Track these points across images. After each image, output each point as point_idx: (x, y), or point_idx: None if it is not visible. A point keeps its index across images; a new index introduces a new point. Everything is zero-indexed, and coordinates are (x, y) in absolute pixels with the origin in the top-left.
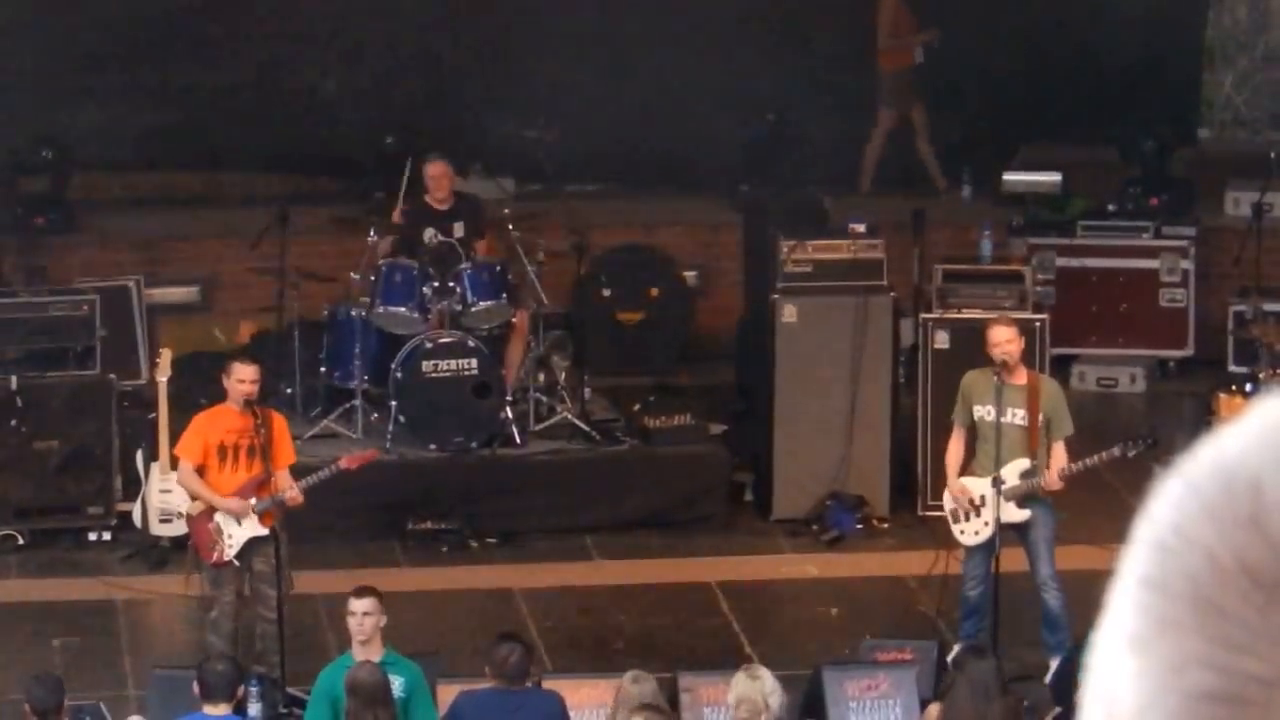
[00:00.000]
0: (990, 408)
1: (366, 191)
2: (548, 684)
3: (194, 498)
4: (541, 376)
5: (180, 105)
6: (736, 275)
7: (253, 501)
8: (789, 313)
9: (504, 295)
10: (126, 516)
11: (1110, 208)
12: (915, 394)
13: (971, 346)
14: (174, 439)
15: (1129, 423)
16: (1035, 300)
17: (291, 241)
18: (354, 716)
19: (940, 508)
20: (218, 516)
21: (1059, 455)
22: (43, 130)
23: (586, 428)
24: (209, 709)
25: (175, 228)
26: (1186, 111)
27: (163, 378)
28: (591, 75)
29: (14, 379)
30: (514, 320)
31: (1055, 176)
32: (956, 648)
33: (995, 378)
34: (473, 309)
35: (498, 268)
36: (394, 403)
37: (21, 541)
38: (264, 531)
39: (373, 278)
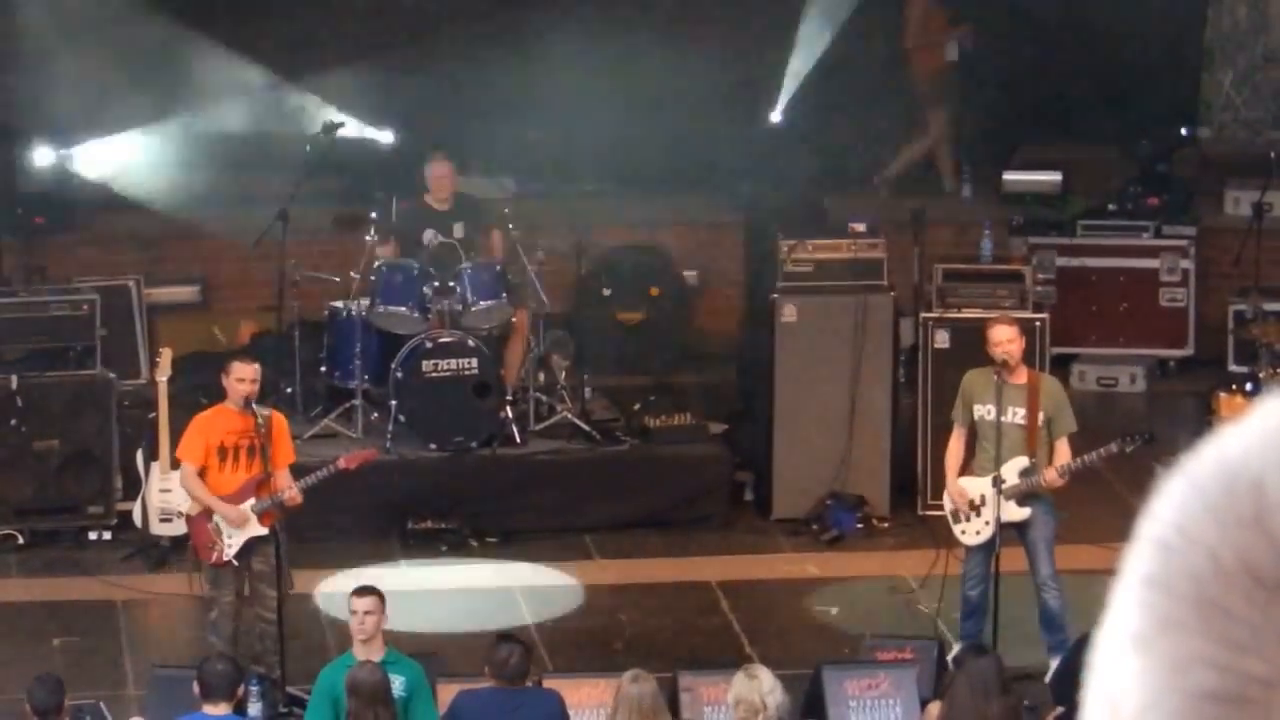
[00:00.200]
0: (990, 407)
1: (367, 191)
2: (548, 683)
3: (195, 500)
4: (542, 376)
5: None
6: (737, 275)
7: (252, 502)
8: (789, 312)
9: (504, 295)
10: (126, 516)
11: (1110, 207)
12: (915, 394)
13: (972, 346)
14: (174, 438)
15: (1129, 422)
16: (1035, 300)
17: (291, 241)
18: (355, 716)
19: (940, 507)
20: (217, 517)
21: (1063, 453)
22: (43, 130)
23: (587, 427)
24: (209, 709)
25: (175, 227)
26: (1186, 111)
27: (163, 377)
28: (592, 74)
29: (14, 378)
30: (514, 320)
31: (1055, 176)
32: (957, 647)
33: (995, 377)
34: (473, 309)
35: (498, 268)
36: (394, 402)
37: (21, 541)
38: (263, 531)
39: (373, 277)
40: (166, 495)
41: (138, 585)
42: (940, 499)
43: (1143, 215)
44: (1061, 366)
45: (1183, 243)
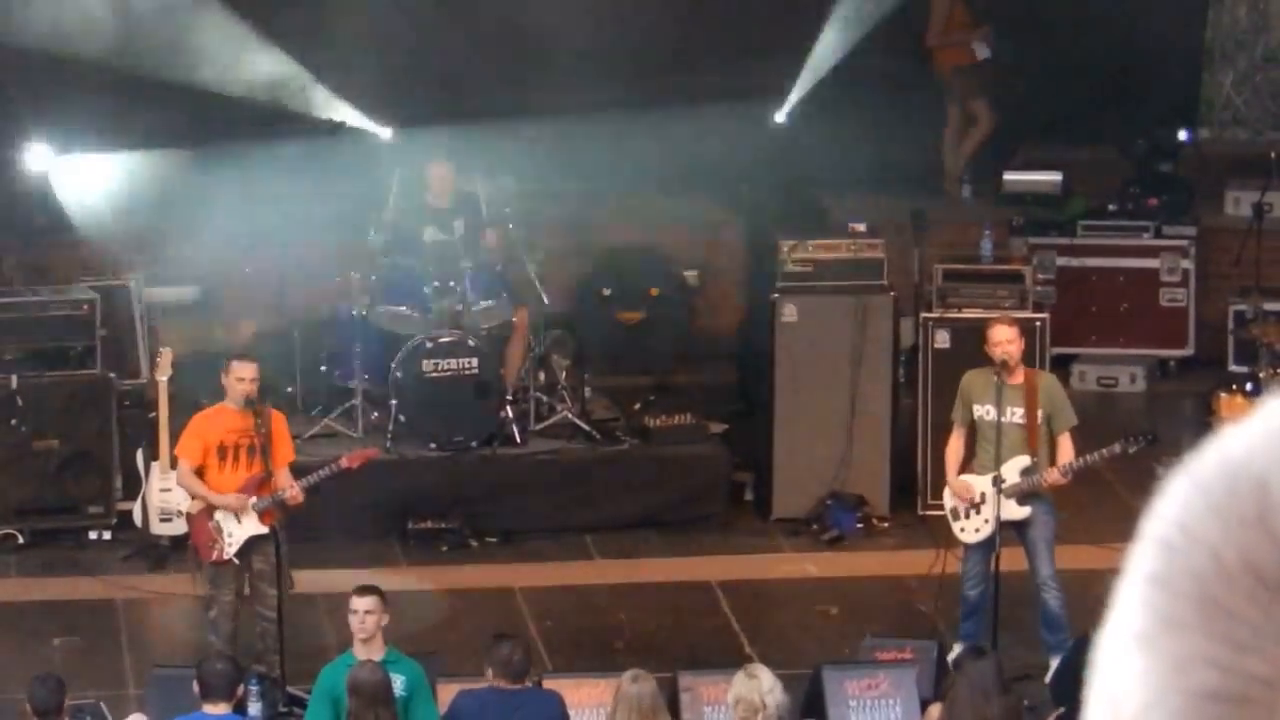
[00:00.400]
0: (990, 407)
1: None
2: (548, 683)
3: (194, 497)
4: (542, 376)
5: (181, 104)
6: (737, 275)
7: (253, 500)
8: (789, 312)
9: (504, 295)
10: (126, 516)
11: (1110, 207)
12: (915, 393)
13: (972, 346)
14: (174, 438)
15: (1129, 422)
16: (1035, 300)
17: (294, 240)
18: (355, 715)
19: (940, 507)
20: (217, 515)
21: (1066, 448)
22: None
23: (587, 427)
24: (209, 708)
25: (176, 226)
26: (1186, 112)
27: (163, 377)
28: (592, 73)
29: (14, 378)
30: (514, 320)
31: (1055, 176)
32: (957, 647)
33: (995, 377)
34: (473, 308)
35: (498, 267)
36: (394, 402)
37: (21, 541)
38: (264, 530)
39: (373, 276)
40: (166, 495)
41: (138, 585)
42: (940, 499)
43: (1143, 215)
44: (1061, 367)
45: (1183, 243)
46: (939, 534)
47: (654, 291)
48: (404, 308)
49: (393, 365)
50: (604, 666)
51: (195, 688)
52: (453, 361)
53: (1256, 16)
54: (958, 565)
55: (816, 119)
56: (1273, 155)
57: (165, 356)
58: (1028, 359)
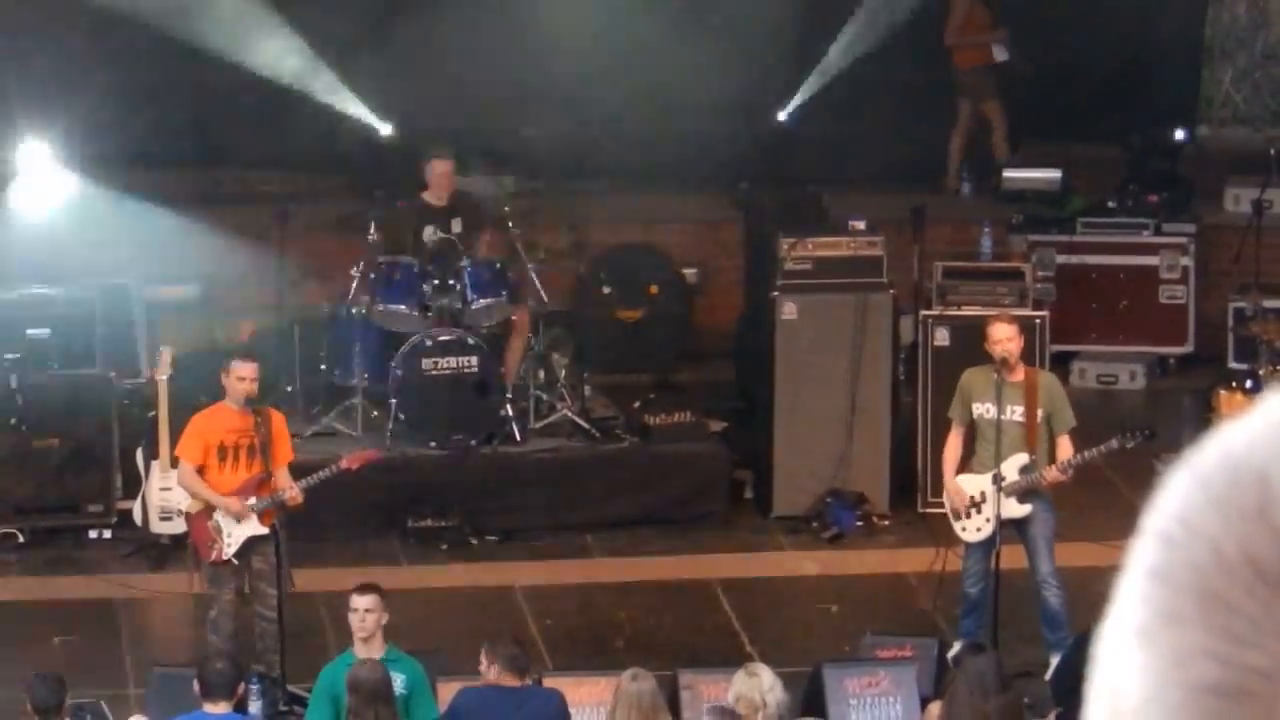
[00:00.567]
0: (990, 405)
1: (367, 189)
2: (548, 682)
3: (194, 497)
4: (541, 374)
5: (181, 103)
6: (736, 272)
7: (252, 500)
8: (789, 310)
9: (504, 293)
10: (127, 514)
11: (1110, 204)
12: (915, 391)
13: (971, 344)
14: (174, 437)
15: (1128, 419)
16: (1035, 297)
17: (292, 239)
18: (355, 714)
19: (940, 504)
20: (217, 514)
21: (1064, 448)
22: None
23: (586, 425)
24: (209, 707)
25: (176, 225)
26: (1186, 108)
27: (163, 376)
28: (591, 72)
29: (14, 377)
30: (514, 318)
31: (1055, 173)
32: (957, 645)
33: (995, 375)
34: (473, 306)
35: (498, 265)
36: (394, 400)
37: (22, 540)
38: (263, 530)
39: (372, 275)
40: (166, 494)
41: (138, 584)
42: (940, 496)
43: (1142, 212)
44: (1061, 364)
45: (1183, 240)
46: (939, 531)
47: (653, 289)
48: (403, 306)
49: (392, 364)
50: (604, 665)
51: (196, 687)
52: (452, 360)
53: (1256, 13)
54: (958, 563)
55: (817, 117)
56: (1272, 152)
57: (166, 355)
58: (1027, 356)
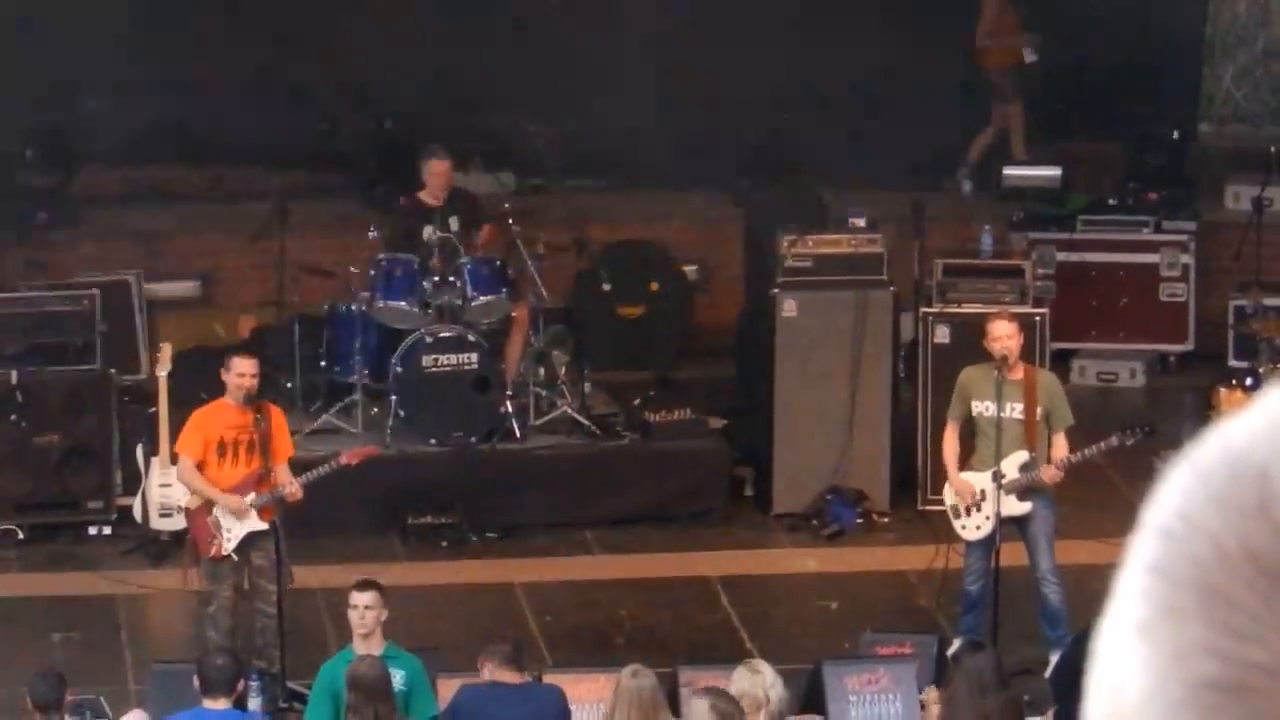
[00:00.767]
0: (990, 403)
1: (367, 186)
2: (548, 678)
3: (194, 493)
4: (541, 371)
5: (181, 100)
6: (737, 269)
7: (252, 497)
8: (789, 307)
9: (504, 290)
10: (126, 511)
11: (1110, 202)
12: (915, 389)
13: (971, 341)
14: (174, 434)
15: (1128, 417)
16: (1035, 295)
17: (291, 236)
18: (355, 710)
19: (940, 502)
20: (216, 510)
21: (1060, 447)
22: (43, 125)
23: (586, 422)
24: (209, 703)
25: (176, 222)
26: (1186, 106)
27: (163, 372)
28: (591, 70)
29: (14, 374)
30: (514, 315)
31: (1055, 171)
32: (956, 642)
33: (995, 373)
34: (473, 303)
35: (498, 262)
36: (394, 397)
37: (21, 536)
38: (263, 526)
39: (372, 272)
40: (166, 490)
41: (138, 580)
42: (940, 494)
43: (1143, 210)
44: (1061, 361)
45: (1183, 238)
46: (939, 529)
47: (654, 286)
48: (403, 303)
49: (392, 360)
50: (604, 661)
51: (196, 683)
52: (452, 356)
53: (1257, 11)
54: (958, 560)
55: (817, 114)
56: (1272, 150)
57: (166, 351)
58: (1027, 354)
